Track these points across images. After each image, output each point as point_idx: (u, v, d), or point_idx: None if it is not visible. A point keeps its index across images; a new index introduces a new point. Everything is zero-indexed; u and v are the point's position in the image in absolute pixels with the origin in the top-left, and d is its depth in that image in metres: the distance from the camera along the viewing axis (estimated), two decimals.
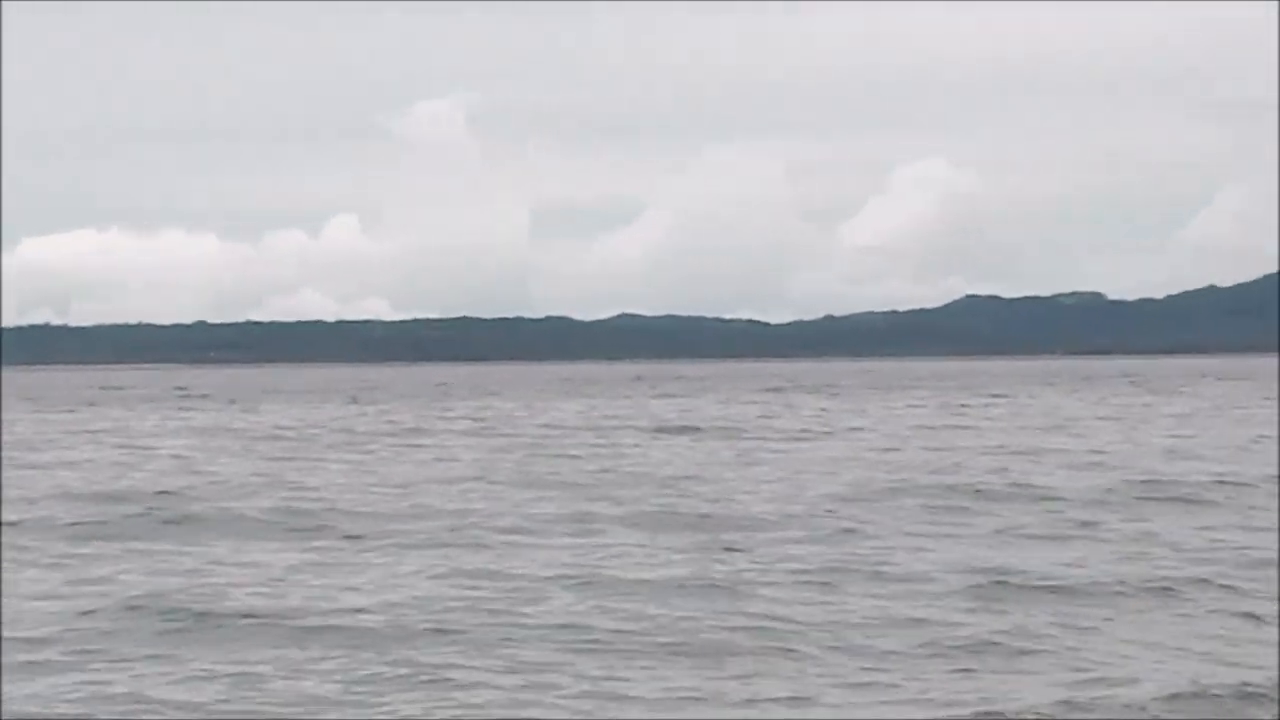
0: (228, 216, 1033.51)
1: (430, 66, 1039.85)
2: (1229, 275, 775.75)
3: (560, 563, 29.61)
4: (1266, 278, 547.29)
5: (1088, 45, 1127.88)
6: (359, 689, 19.90)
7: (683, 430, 77.61)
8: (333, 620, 23.92)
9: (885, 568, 28.93)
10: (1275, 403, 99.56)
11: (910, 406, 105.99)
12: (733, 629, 23.20)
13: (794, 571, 28.73)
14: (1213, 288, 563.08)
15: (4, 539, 32.95)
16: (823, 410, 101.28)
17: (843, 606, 25.22)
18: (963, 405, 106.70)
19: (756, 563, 29.65)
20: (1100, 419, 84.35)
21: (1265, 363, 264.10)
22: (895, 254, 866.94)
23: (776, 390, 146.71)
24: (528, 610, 24.63)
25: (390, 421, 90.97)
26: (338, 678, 20.31)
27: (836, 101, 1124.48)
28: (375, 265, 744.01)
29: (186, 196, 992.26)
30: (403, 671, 20.81)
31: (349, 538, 33.99)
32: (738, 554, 30.74)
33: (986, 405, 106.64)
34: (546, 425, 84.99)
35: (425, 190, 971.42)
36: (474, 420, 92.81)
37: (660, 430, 77.64)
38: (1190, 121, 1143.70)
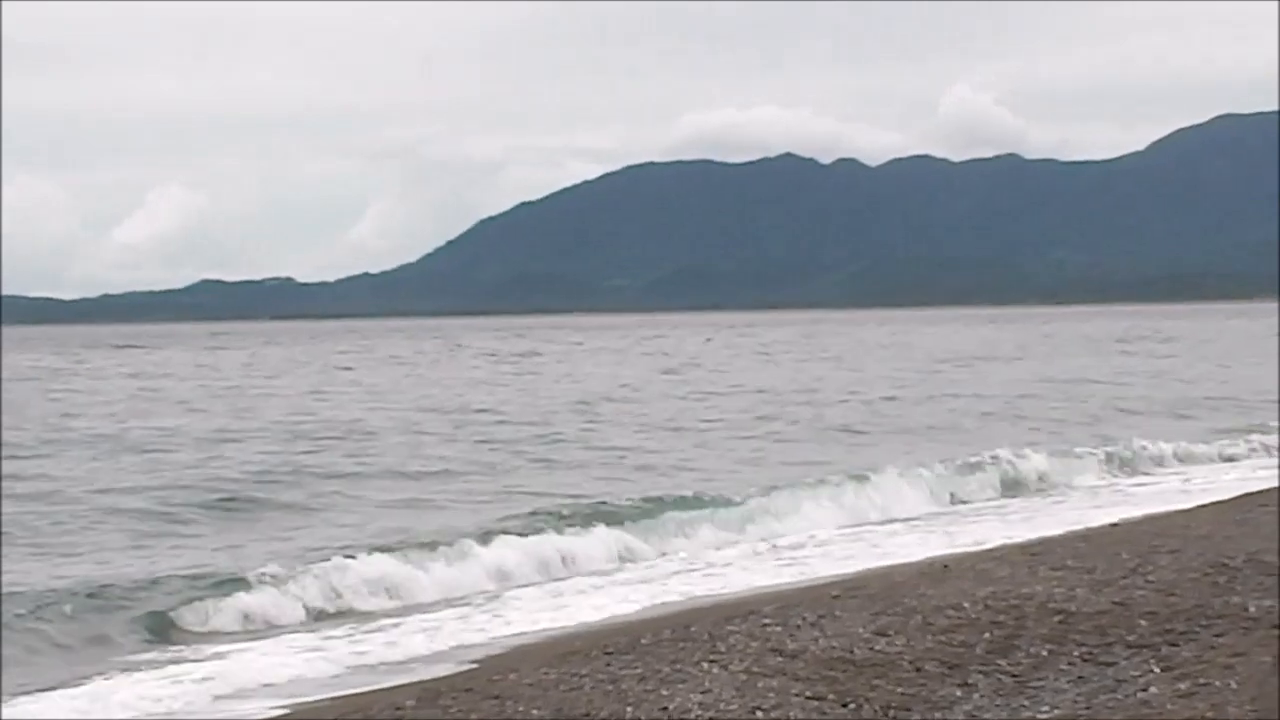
0: None
1: None
2: (377, 265, 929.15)
3: None
4: (401, 267, 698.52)
5: (280, 107, 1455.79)
6: None
7: None
8: None
9: None
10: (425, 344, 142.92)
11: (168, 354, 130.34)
12: None
13: None
14: (366, 274, 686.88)
15: None
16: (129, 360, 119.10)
17: None
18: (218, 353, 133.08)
19: None
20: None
21: (407, 323, 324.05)
22: (150, 251, 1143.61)
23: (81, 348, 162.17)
24: None
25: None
26: None
27: (110, 142, 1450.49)
28: None
29: None
30: None
31: None
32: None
33: (220, 353, 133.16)
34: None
35: None
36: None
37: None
38: (349, 157, 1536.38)
